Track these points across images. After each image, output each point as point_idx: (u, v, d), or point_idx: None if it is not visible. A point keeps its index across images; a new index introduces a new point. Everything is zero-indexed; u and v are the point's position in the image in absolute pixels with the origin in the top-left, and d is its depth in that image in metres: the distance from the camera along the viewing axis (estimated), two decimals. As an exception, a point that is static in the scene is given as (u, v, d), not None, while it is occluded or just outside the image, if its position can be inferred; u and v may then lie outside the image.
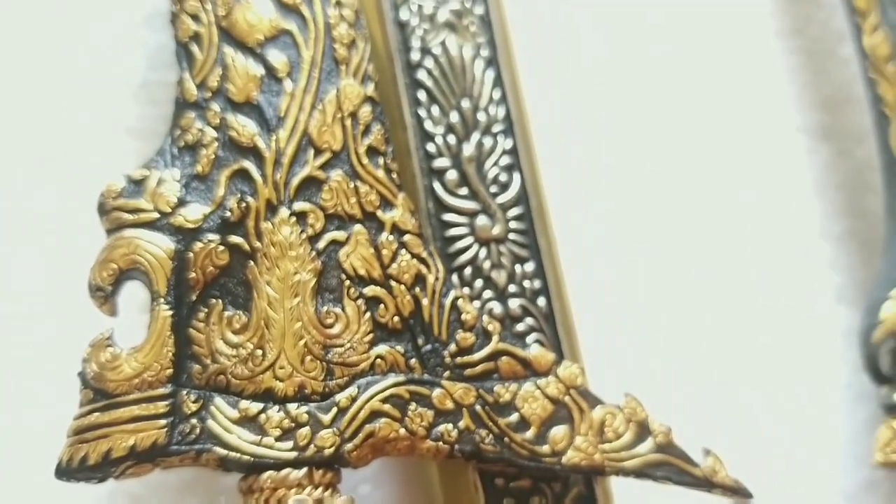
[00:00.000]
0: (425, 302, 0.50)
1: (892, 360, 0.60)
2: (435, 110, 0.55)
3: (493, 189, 0.55)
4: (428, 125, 0.55)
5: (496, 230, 0.55)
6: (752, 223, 0.68)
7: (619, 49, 0.68)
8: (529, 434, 0.50)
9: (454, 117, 0.56)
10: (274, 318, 0.47)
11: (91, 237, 0.49)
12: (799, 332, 0.66)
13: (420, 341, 0.49)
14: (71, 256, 0.55)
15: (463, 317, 0.50)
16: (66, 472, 0.45)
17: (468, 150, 0.55)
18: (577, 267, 0.59)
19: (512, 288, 0.54)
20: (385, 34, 0.56)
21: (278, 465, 0.46)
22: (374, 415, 0.47)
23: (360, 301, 0.49)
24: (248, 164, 0.49)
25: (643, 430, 0.51)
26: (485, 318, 0.51)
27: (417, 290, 0.50)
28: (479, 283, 0.54)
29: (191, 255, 0.47)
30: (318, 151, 0.50)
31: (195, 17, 0.50)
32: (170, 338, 0.46)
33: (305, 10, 0.51)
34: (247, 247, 0.48)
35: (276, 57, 0.50)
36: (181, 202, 0.48)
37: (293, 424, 0.46)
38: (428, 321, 0.50)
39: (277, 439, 0.46)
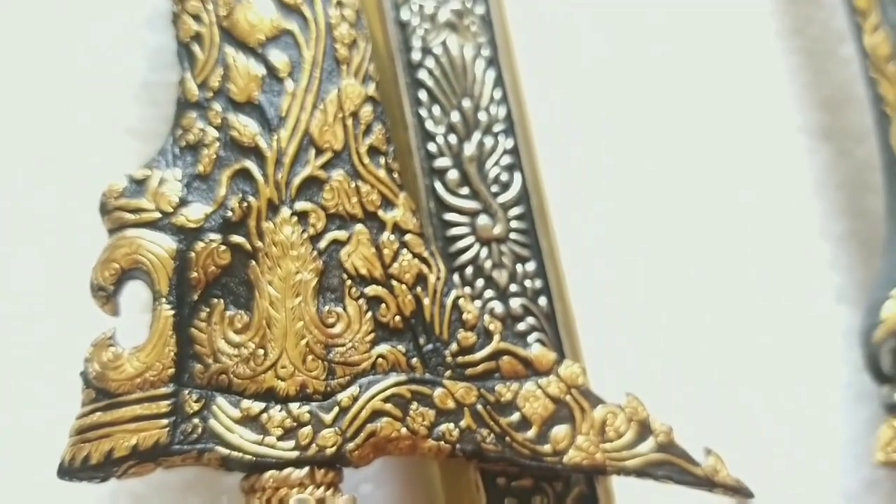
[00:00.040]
0: (426, 301, 0.50)
1: (892, 360, 0.60)
2: (436, 110, 0.55)
3: (494, 189, 0.55)
4: (429, 125, 0.55)
5: (497, 230, 0.55)
6: (752, 223, 0.68)
7: (620, 49, 0.68)
8: (531, 433, 0.50)
9: (455, 117, 0.56)
10: (276, 317, 0.48)
11: (91, 237, 0.49)
12: (799, 332, 0.66)
13: (421, 341, 0.49)
14: (71, 256, 0.55)
15: (464, 316, 0.50)
16: (68, 471, 0.45)
17: (469, 149, 0.55)
18: (577, 266, 0.59)
19: (513, 287, 0.54)
20: (386, 34, 0.56)
21: (280, 464, 0.46)
22: (376, 414, 0.47)
23: (361, 300, 0.49)
24: (250, 164, 0.49)
25: (644, 430, 0.51)
26: (486, 317, 0.51)
27: (419, 289, 0.50)
28: (480, 282, 0.54)
29: (192, 254, 0.47)
30: (320, 151, 0.50)
31: (196, 18, 0.50)
32: (172, 337, 0.46)
33: (306, 10, 0.51)
34: (248, 246, 0.48)
35: (278, 57, 0.50)
36: (183, 202, 0.48)
37: (295, 424, 0.47)
38: (429, 321, 0.50)
39: (279, 439, 0.46)
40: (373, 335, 0.49)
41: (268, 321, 0.47)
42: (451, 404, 0.49)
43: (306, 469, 0.46)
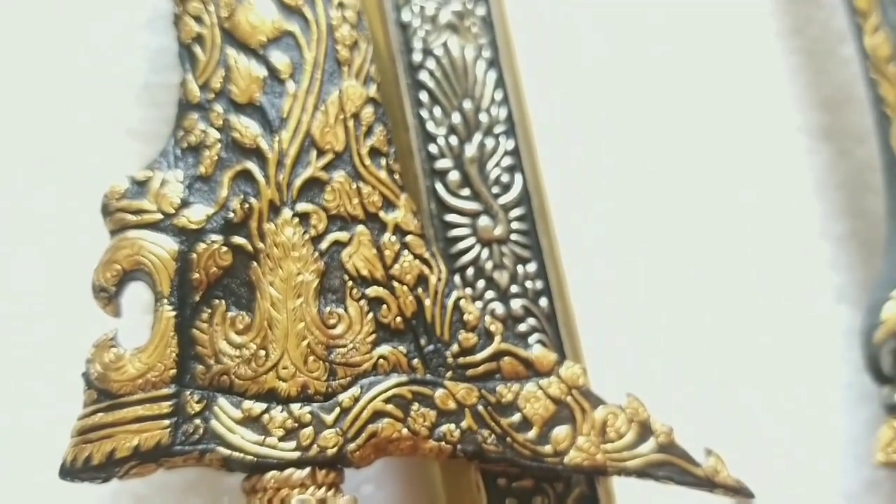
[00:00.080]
0: (427, 302, 0.50)
1: (893, 361, 0.60)
2: (437, 111, 0.55)
3: (495, 190, 0.55)
4: (430, 126, 0.55)
5: (498, 231, 0.55)
6: (752, 223, 0.68)
7: (620, 49, 0.68)
8: (532, 434, 0.50)
9: (456, 118, 0.56)
10: (277, 318, 0.48)
11: (91, 237, 0.49)
12: (800, 333, 0.66)
13: (422, 342, 0.49)
14: (71, 256, 0.55)
15: (465, 317, 0.50)
16: (70, 472, 0.45)
17: (470, 150, 0.55)
18: (578, 267, 0.59)
19: (514, 288, 0.54)
20: (387, 35, 0.56)
21: (281, 465, 0.46)
22: (377, 415, 0.47)
23: (362, 301, 0.49)
24: (251, 165, 0.49)
25: (645, 431, 0.51)
26: (487, 318, 0.51)
27: (420, 290, 0.50)
28: (481, 283, 0.54)
29: (194, 255, 0.47)
30: (321, 152, 0.50)
31: (198, 19, 0.50)
32: (173, 338, 0.47)
33: (308, 12, 0.51)
34: (250, 248, 0.48)
35: (279, 58, 0.50)
36: (184, 203, 0.48)
37: (296, 424, 0.47)
38: (430, 322, 0.50)
39: (280, 439, 0.46)
40: (374, 336, 0.49)
41: (269, 322, 0.48)
42: (452, 405, 0.49)
43: (307, 470, 0.46)
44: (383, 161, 0.51)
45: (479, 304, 0.53)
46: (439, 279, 0.50)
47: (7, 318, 0.55)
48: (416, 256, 0.50)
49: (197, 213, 0.48)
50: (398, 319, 0.49)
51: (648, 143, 0.67)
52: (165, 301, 0.47)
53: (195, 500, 0.55)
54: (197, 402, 0.46)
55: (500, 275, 0.54)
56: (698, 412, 0.61)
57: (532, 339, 0.54)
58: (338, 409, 0.47)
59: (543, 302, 0.55)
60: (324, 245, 0.49)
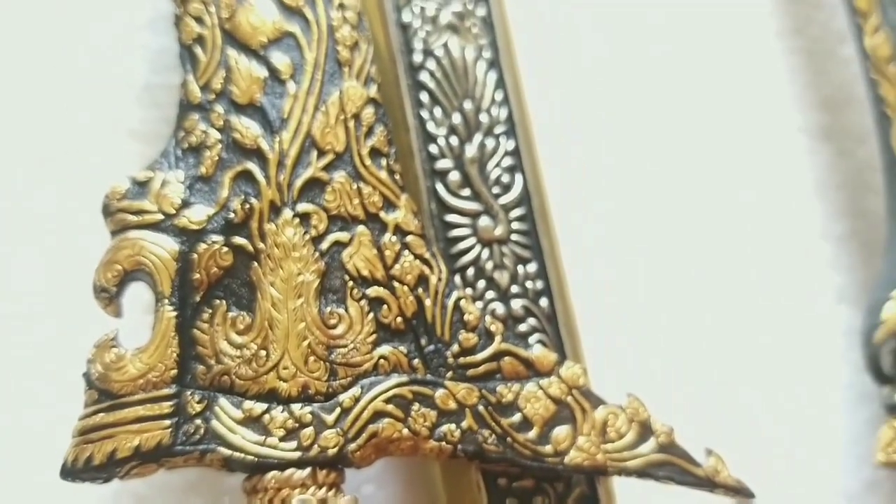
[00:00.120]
0: (428, 303, 0.50)
1: (893, 361, 0.60)
2: (437, 112, 0.56)
3: (496, 190, 0.55)
4: (430, 127, 0.55)
5: (498, 231, 0.55)
6: (752, 223, 0.68)
7: (620, 49, 0.68)
8: (532, 434, 0.50)
9: (456, 119, 0.56)
10: (278, 318, 0.48)
11: (91, 237, 0.49)
12: (800, 333, 0.66)
13: (423, 342, 0.49)
14: (71, 256, 0.55)
15: (466, 317, 0.50)
16: (71, 472, 0.45)
17: (470, 151, 0.56)
18: (578, 267, 0.59)
19: (514, 289, 0.54)
20: (387, 36, 0.56)
21: (282, 465, 0.46)
22: (378, 415, 0.47)
23: (363, 302, 0.49)
24: (252, 166, 0.49)
25: (645, 431, 0.51)
26: (487, 318, 0.51)
27: (420, 290, 0.50)
28: (481, 283, 0.54)
29: (195, 256, 0.47)
30: (322, 153, 0.50)
31: (199, 20, 0.50)
32: (174, 339, 0.47)
33: (308, 13, 0.51)
34: (250, 248, 0.48)
35: (280, 59, 0.50)
36: (185, 204, 0.48)
37: (297, 425, 0.47)
38: (431, 322, 0.50)
39: (281, 439, 0.46)
40: (374, 336, 0.49)
41: (270, 322, 0.48)
42: (452, 405, 0.49)
43: (308, 470, 0.46)
44: (384, 161, 0.51)
45: (479, 304, 0.53)
46: (440, 279, 0.50)
47: (7, 318, 0.56)
48: (416, 257, 0.50)
49: (198, 214, 0.48)
50: (399, 320, 0.49)
51: (649, 144, 0.67)
52: (166, 301, 0.47)
53: (196, 501, 0.55)
54: (198, 403, 0.46)
55: (500, 275, 0.54)
56: (699, 412, 0.61)
57: (532, 339, 0.54)
58: (338, 410, 0.47)
59: (544, 302, 0.55)
60: (324, 245, 0.49)
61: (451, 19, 0.57)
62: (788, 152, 0.70)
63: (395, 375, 0.48)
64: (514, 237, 0.55)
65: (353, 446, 0.47)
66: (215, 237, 0.48)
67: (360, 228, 0.50)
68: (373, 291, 0.49)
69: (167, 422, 0.46)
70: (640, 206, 0.66)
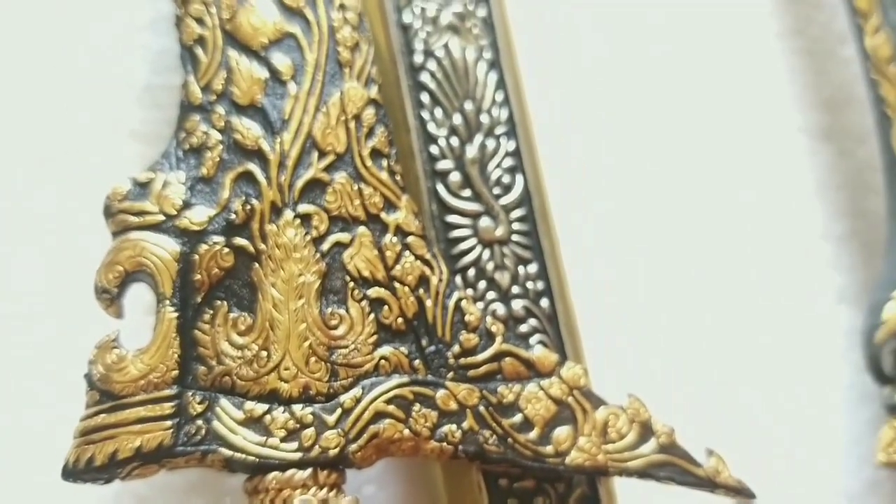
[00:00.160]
0: (429, 303, 0.50)
1: (894, 361, 0.60)
2: (438, 112, 0.56)
3: (497, 191, 0.55)
4: (431, 127, 0.55)
5: (499, 232, 0.55)
6: (752, 223, 0.68)
7: (620, 50, 0.68)
8: (533, 435, 0.50)
9: (457, 119, 0.56)
10: (279, 319, 0.48)
11: (91, 237, 0.49)
12: (800, 333, 0.66)
13: (424, 342, 0.49)
14: (71, 256, 0.55)
15: (466, 318, 0.50)
16: (72, 472, 0.45)
17: (471, 152, 0.56)
18: (579, 268, 0.59)
19: (515, 289, 0.54)
20: (388, 37, 0.56)
21: (283, 465, 0.46)
22: (379, 416, 0.47)
23: (364, 302, 0.49)
24: (253, 167, 0.49)
25: (646, 431, 0.51)
26: (488, 319, 0.51)
27: (421, 291, 0.50)
28: (482, 284, 0.54)
29: (196, 257, 0.47)
30: (322, 154, 0.50)
31: (199, 21, 0.50)
32: (175, 339, 0.47)
33: (309, 14, 0.51)
34: (251, 249, 0.48)
35: (281, 60, 0.50)
36: (186, 205, 0.48)
37: (298, 425, 0.47)
38: (432, 322, 0.50)
39: (282, 440, 0.46)
40: (375, 337, 0.49)
41: (271, 323, 0.48)
42: (453, 406, 0.49)
43: (309, 470, 0.46)
44: (384, 162, 0.51)
45: (480, 304, 0.53)
46: (440, 280, 0.50)
47: (7, 318, 0.56)
48: (417, 257, 0.50)
49: (199, 215, 0.48)
50: (399, 320, 0.49)
51: (649, 144, 0.67)
52: (167, 302, 0.47)
53: (197, 501, 0.55)
54: (199, 403, 0.46)
55: (501, 275, 0.54)
56: (699, 412, 0.61)
57: (533, 339, 0.54)
58: (339, 410, 0.47)
59: (544, 302, 0.55)
60: (325, 246, 0.49)
61: (452, 20, 0.57)
62: (789, 152, 0.70)
63: (396, 376, 0.49)
64: (514, 238, 0.55)
65: (354, 447, 0.47)
66: (216, 238, 0.48)
67: (361, 229, 0.50)
68: (374, 292, 0.49)
69: (168, 422, 0.46)
70: (640, 207, 0.66)
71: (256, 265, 0.48)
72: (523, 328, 0.54)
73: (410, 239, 0.50)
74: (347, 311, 0.49)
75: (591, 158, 0.66)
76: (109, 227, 0.48)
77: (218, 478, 0.52)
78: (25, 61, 0.58)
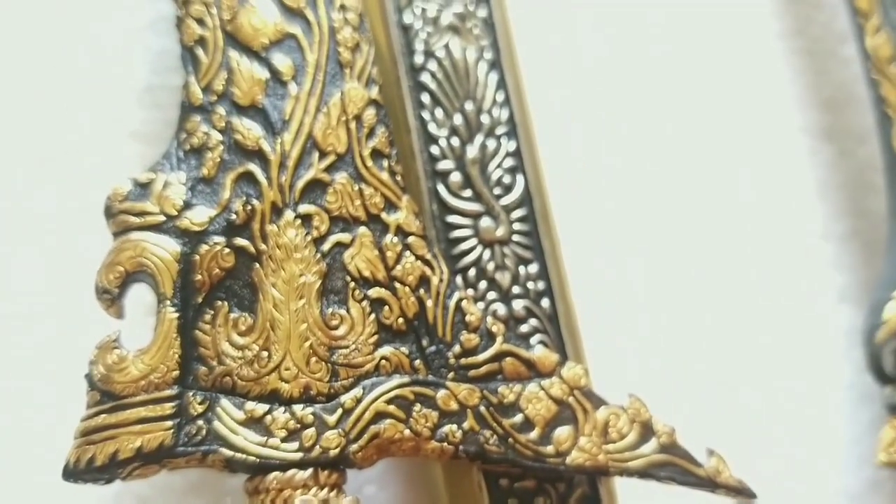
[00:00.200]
0: (429, 303, 0.50)
1: (895, 361, 0.60)
2: (438, 113, 0.56)
3: (497, 191, 0.55)
4: (432, 128, 0.55)
5: (500, 232, 0.55)
6: (753, 223, 0.68)
7: (620, 50, 0.68)
8: (533, 435, 0.50)
9: (458, 120, 0.56)
10: (279, 319, 0.48)
11: (91, 237, 0.49)
12: (801, 333, 0.66)
13: (424, 342, 0.49)
14: (71, 256, 0.55)
15: (467, 318, 0.50)
16: (73, 473, 0.45)
17: (472, 152, 0.56)
18: (579, 268, 0.59)
19: (516, 289, 0.54)
20: (389, 37, 0.56)
21: (284, 465, 0.46)
22: (379, 416, 0.47)
23: (364, 303, 0.49)
24: (254, 167, 0.49)
25: (647, 431, 0.51)
26: (489, 319, 0.51)
27: (422, 291, 0.50)
28: (483, 284, 0.54)
29: (197, 257, 0.47)
30: (323, 154, 0.50)
31: (200, 21, 0.50)
32: (176, 340, 0.47)
33: (310, 14, 0.51)
34: (252, 249, 0.48)
35: (281, 60, 0.50)
36: (187, 205, 0.48)
37: (298, 425, 0.47)
38: (432, 323, 0.50)
39: (283, 440, 0.46)
40: (376, 337, 0.49)
41: (271, 323, 0.48)
42: (453, 406, 0.49)
43: (310, 470, 0.46)
44: (385, 163, 0.51)
45: (480, 305, 0.53)
46: (441, 280, 0.50)
47: (7, 318, 0.56)
48: (417, 257, 0.50)
49: (199, 215, 0.48)
50: (400, 320, 0.49)
51: (649, 144, 0.67)
52: (168, 302, 0.47)
53: (198, 502, 0.55)
54: (199, 404, 0.46)
55: (501, 276, 0.54)
56: (700, 412, 0.61)
57: (534, 339, 0.54)
58: (340, 410, 0.47)
59: (545, 303, 0.55)
60: (326, 246, 0.49)
61: (453, 20, 0.57)
62: (789, 152, 0.70)
63: (397, 376, 0.49)
64: (515, 238, 0.55)
65: (354, 447, 0.47)
66: (217, 238, 0.48)
67: (362, 229, 0.50)
68: (374, 292, 0.49)
69: (169, 423, 0.46)
70: (640, 207, 0.66)
71: (257, 265, 0.48)
72: (524, 328, 0.54)
73: (411, 239, 0.50)
74: (348, 311, 0.49)
75: (592, 159, 0.66)
76: (110, 228, 0.48)
77: (218, 478, 0.52)
78: (26, 61, 0.58)
